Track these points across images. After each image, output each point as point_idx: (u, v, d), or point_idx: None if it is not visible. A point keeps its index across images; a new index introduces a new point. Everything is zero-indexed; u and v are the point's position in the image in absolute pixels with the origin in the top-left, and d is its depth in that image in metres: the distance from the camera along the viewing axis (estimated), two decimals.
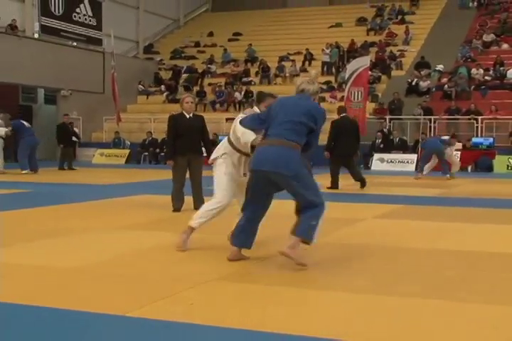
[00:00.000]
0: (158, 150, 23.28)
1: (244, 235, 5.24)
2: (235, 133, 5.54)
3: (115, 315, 3.74)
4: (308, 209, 4.99)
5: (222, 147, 5.82)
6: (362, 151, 20.52)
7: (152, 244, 6.24)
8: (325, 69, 28.56)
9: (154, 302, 4.04)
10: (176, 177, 8.78)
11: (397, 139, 21.60)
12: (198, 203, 8.46)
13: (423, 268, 5.21)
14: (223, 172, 5.71)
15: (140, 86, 30.01)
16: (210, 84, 28.98)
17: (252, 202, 5.19)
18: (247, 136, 5.33)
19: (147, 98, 29.53)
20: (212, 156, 5.89)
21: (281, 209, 5.73)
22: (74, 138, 20.30)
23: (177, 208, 8.76)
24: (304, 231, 4.98)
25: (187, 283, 4.56)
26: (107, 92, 25.97)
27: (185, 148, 8.67)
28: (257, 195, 5.17)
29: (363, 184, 12.51)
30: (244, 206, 5.29)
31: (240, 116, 5.60)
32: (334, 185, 12.47)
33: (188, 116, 8.79)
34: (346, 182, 12.74)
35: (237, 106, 26.81)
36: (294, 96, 5.22)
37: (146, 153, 23.83)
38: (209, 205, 5.79)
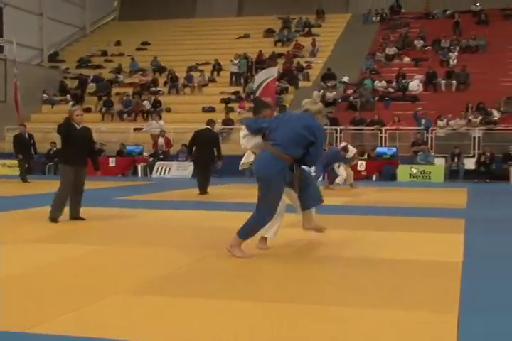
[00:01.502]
0: None
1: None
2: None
3: (14, 332, 3.60)
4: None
5: (250, 154, 6.51)
6: None
7: (56, 257, 6.07)
8: (233, 79, 28.77)
9: (58, 316, 3.92)
10: (63, 186, 8.81)
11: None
12: (74, 212, 8.91)
13: (330, 277, 5.29)
14: None
15: (44, 95, 29.25)
16: (117, 94, 28.58)
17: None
18: (245, 141, 6.23)
19: (52, 107, 28.79)
20: (243, 162, 6.71)
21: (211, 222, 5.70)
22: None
23: (56, 217, 8.73)
24: (240, 230, 5.95)
25: (93, 296, 4.46)
26: (9, 101, 25.15)
27: (73, 158, 8.78)
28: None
29: (202, 191, 13.85)
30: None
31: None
32: (202, 190, 13.83)
33: (77, 127, 8.92)
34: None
35: (145, 115, 26.56)
36: (299, 113, 6.06)
37: (51, 164, 23.20)
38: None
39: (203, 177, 14.16)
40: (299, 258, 6.07)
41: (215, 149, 14.18)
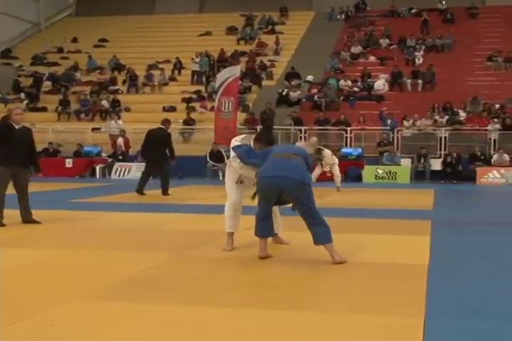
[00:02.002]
0: None
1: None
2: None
3: None
4: None
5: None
6: None
7: (9, 262, 5.97)
8: (195, 78, 28.69)
9: (7, 326, 3.85)
10: None
11: None
12: (25, 216, 8.78)
13: (291, 279, 5.30)
14: None
15: None
16: (74, 93, 28.28)
17: None
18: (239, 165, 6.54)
19: (5, 106, 28.28)
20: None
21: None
22: None
23: None
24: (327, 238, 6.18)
25: (50, 301, 4.39)
26: None
27: (10, 159, 8.57)
28: None
29: (165, 192, 13.98)
30: None
31: (236, 140, 6.54)
32: (139, 188, 13.96)
33: (16, 127, 8.72)
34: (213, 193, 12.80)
35: (104, 115, 26.32)
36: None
37: None
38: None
39: (162, 178, 14.15)
40: (263, 262, 6.06)
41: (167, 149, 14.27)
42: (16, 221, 8.71)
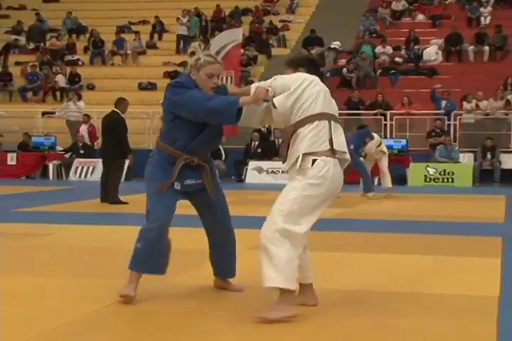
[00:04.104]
0: None
1: None
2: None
3: None
4: None
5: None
6: (233, 158, 20.79)
7: None
8: (181, 45, 28.67)
9: None
10: None
11: (281, 141, 21.95)
12: None
13: (316, 312, 5.31)
14: None
15: None
16: (18, 63, 28.32)
17: None
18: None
19: None
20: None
21: None
22: None
23: None
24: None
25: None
26: None
27: None
28: None
29: (104, 198, 13.84)
30: None
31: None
32: (107, 196, 13.87)
33: None
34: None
35: (59, 94, 26.32)
36: None
37: None
38: None
39: (104, 179, 14.14)
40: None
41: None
42: None
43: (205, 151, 5.82)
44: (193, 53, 5.74)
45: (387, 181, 15.71)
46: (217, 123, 5.67)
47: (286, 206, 5.08)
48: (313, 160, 5.10)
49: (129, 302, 5.53)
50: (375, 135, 15.96)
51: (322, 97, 5.26)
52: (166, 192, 5.63)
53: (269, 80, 5.42)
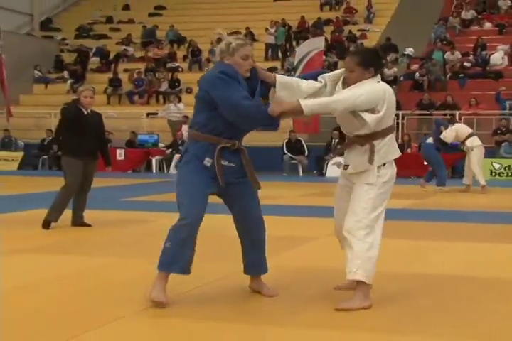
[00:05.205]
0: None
1: None
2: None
3: None
4: None
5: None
6: (315, 154, 20.81)
7: (55, 270, 6.18)
8: (269, 52, 28.79)
9: None
10: (69, 183, 8.80)
11: (336, 141, 21.88)
12: (76, 218, 8.96)
13: (394, 296, 5.31)
14: None
15: (37, 72, 29.60)
16: (126, 71, 28.82)
17: None
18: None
19: (46, 87, 29.14)
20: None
21: None
22: None
23: (50, 220, 8.72)
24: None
25: (97, 319, 4.56)
26: None
27: (81, 149, 8.79)
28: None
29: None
30: None
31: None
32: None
33: (85, 112, 8.92)
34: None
35: (161, 98, 26.72)
36: None
37: (46, 156, 23.50)
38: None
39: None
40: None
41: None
42: (63, 223, 8.90)
43: (243, 135, 5.43)
44: (219, 39, 5.34)
45: (479, 178, 15.26)
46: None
47: (369, 204, 4.99)
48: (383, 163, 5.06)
49: (161, 307, 4.82)
50: (459, 125, 15.64)
51: (392, 107, 5.06)
52: (198, 186, 5.20)
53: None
